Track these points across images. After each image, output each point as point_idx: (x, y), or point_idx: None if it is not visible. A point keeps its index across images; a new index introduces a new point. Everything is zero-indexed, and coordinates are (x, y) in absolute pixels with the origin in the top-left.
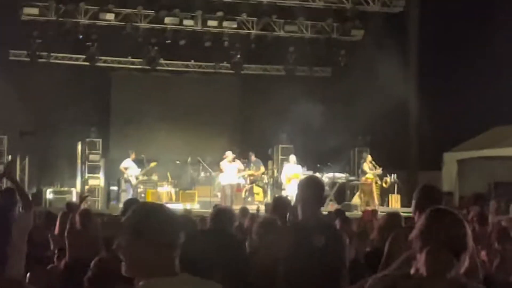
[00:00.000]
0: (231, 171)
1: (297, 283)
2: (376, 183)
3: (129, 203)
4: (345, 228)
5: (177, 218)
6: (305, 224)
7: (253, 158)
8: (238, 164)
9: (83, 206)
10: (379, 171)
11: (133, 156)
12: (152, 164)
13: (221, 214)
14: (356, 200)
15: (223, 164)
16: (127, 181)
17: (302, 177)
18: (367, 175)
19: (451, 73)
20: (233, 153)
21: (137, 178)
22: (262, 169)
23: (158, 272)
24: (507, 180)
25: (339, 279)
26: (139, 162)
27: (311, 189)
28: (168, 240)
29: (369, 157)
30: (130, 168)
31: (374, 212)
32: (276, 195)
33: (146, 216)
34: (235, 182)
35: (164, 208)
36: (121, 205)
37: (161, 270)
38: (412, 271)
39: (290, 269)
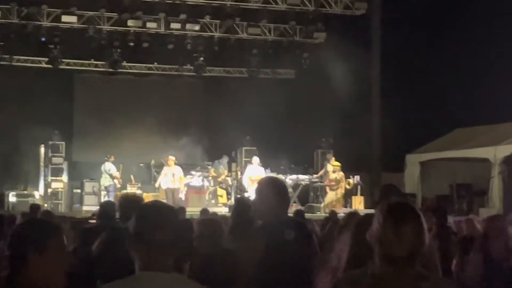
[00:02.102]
0: (169, 176)
1: (271, 281)
2: (342, 182)
3: (107, 205)
4: None
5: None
6: (270, 224)
7: (224, 161)
8: (178, 169)
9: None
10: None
11: (112, 158)
12: (121, 166)
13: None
14: (331, 197)
15: (165, 168)
16: (112, 183)
17: None
18: (331, 176)
19: (414, 76)
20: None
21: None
22: (226, 172)
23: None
24: (468, 181)
25: (311, 273)
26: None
27: (272, 189)
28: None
29: (333, 159)
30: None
31: (333, 214)
32: (238, 196)
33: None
34: (172, 186)
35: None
36: (84, 208)
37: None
38: (370, 270)
39: (264, 270)
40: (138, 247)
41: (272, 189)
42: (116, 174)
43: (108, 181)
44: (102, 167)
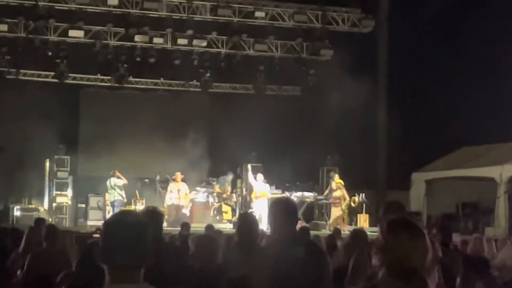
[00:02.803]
0: (174, 192)
1: None
2: (344, 200)
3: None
4: None
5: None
6: (281, 241)
7: (229, 177)
8: (184, 186)
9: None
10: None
11: (117, 173)
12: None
13: None
14: (335, 213)
15: (171, 184)
16: (118, 198)
17: (270, 196)
18: (335, 193)
19: (420, 94)
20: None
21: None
22: (230, 189)
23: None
24: (474, 200)
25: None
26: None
27: (282, 209)
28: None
29: (336, 176)
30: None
31: (337, 231)
32: (242, 212)
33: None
34: (177, 203)
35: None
36: (89, 223)
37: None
38: (372, 283)
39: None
40: (105, 262)
41: (281, 208)
42: (123, 181)
43: (114, 196)
44: (108, 183)
